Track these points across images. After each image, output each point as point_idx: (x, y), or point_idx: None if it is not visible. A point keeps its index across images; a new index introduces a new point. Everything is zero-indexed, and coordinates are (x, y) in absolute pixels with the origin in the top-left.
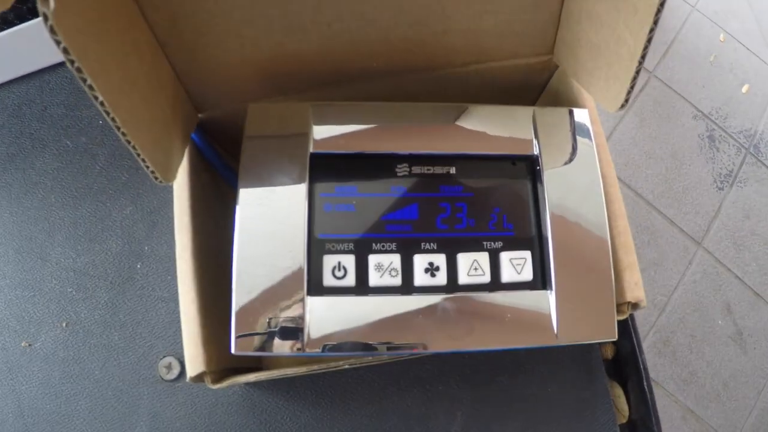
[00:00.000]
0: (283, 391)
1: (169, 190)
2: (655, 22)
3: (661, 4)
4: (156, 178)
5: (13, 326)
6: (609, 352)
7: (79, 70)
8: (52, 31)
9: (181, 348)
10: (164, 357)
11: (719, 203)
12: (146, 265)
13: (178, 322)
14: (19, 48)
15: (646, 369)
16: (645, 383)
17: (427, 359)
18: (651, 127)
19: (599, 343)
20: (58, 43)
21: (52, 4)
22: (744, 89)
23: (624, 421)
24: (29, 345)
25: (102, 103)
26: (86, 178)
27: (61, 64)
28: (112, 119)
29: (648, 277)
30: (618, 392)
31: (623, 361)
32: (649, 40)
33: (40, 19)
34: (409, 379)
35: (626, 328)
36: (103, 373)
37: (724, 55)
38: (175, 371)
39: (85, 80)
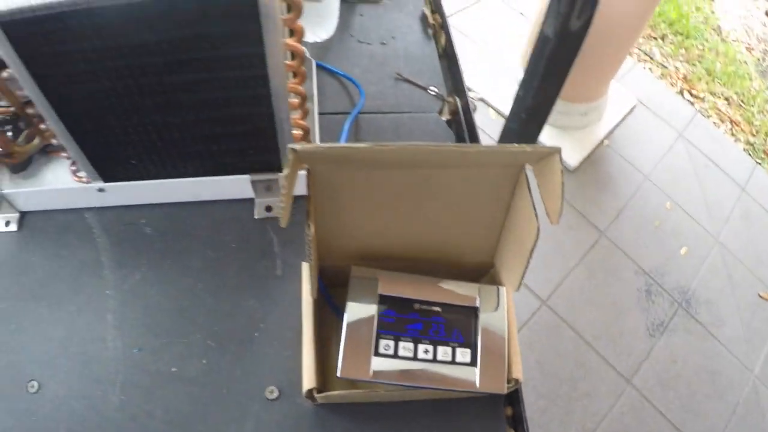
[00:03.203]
0: (345, 414)
1: (279, 297)
2: (527, 266)
3: (531, 253)
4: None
5: (166, 359)
6: (509, 412)
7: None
8: (307, 236)
9: (281, 379)
10: (269, 386)
11: (650, 348)
12: (261, 333)
13: (282, 366)
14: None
15: (527, 423)
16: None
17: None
18: (597, 278)
19: (503, 404)
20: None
21: (311, 232)
22: (682, 251)
23: None
24: (177, 371)
25: (309, 249)
26: (222, 278)
27: (204, 203)
28: (310, 256)
29: (581, 405)
30: None
31: (516, 418)
32: (523, 272)
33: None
34: (398, 414)
35: (518, 398)
36: (229, 393)
37: (669, 220)
38: (275, 394)
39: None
